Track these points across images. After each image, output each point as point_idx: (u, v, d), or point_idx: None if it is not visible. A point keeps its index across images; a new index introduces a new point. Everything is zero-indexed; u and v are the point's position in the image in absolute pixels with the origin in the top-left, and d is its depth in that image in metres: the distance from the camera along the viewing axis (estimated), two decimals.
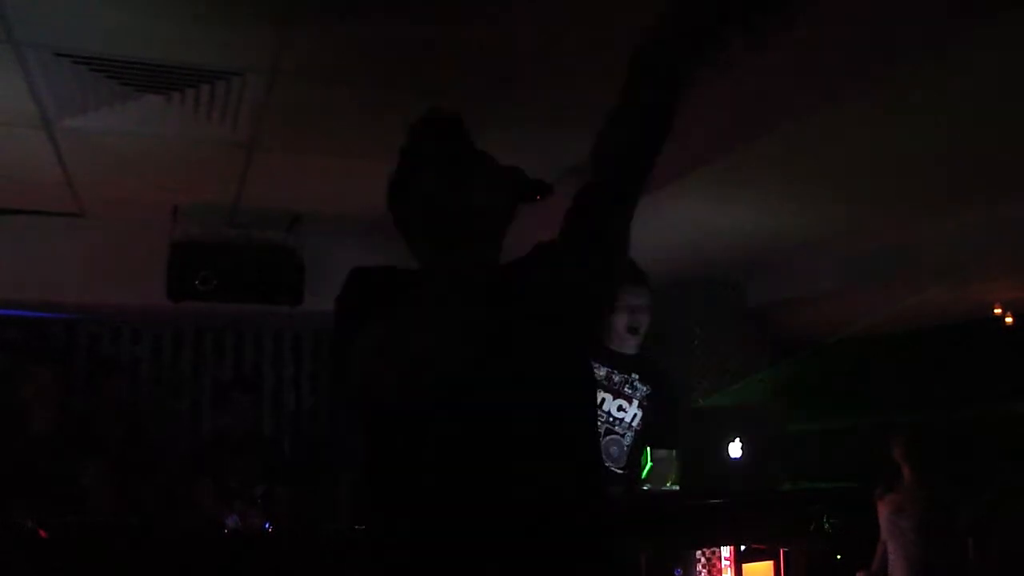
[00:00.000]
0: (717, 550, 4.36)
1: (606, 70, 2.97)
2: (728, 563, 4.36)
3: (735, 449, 3.04)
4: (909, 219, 4.58)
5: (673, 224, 4.53)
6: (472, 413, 1.53)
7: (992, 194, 4.14)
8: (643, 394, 3.26)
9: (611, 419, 3.23)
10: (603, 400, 3.22)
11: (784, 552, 4.29)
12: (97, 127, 3.42)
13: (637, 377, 3.27)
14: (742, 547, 4.28)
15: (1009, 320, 5.81)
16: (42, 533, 3.42)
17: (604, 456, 3.15)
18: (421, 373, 1.51)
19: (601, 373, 3.22)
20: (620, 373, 3.27)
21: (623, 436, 3.22)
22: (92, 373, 5.17)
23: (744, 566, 4.33)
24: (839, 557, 4.24)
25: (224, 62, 2.91)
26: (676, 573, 4.22)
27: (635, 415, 3.26)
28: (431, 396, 1.51)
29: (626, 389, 3.27)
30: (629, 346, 3.29)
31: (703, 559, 4.60)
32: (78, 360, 5.48)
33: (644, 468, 3.46)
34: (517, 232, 1.70)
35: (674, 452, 3.42)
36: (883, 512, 4.32)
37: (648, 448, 3.42)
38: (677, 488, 3.16)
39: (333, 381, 5.73)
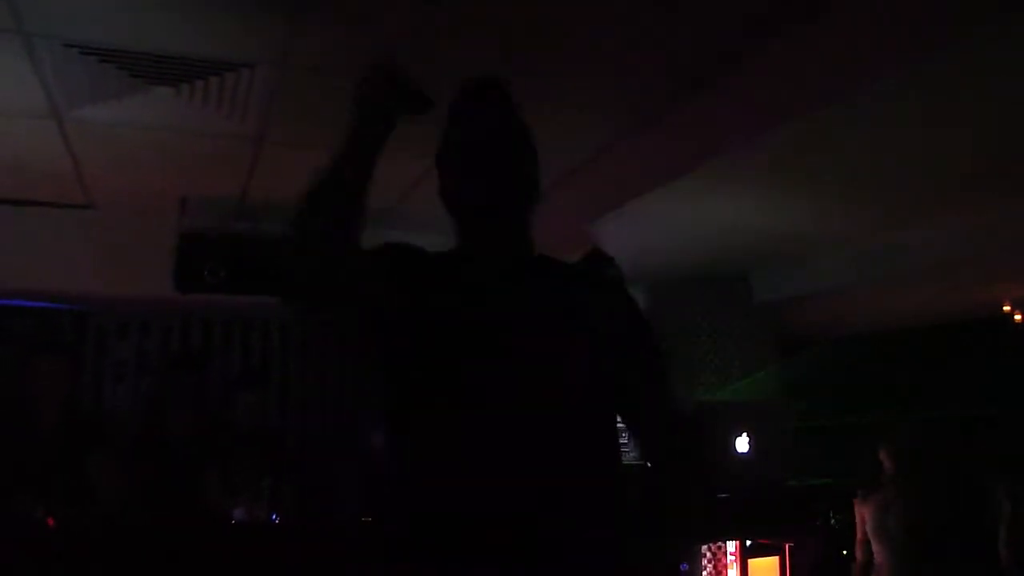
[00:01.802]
0: (723, 545, 4.37)
1: (614, 62, 2.98)
2: (734, 558, 4.37)
3: (742, 444, 3.03)
4: (919, 216, 4.56)
5: (680, 218, 4.52)
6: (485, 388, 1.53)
7: (1004, 191, 4.12)
8: None
9: None
10: None
11: (789, 547, 4.29)
12: (106, 118, 3.43)
13: None
14: (748, 542, 4.28)
15: (1018, 318, 5.78)
16: (51, 523, 3.43)
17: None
18: (442, 344, 1.54)
19: None
20: None
21: None
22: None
23: (749, 561, 4.33)
24: (845, 553, 4.23)
25: (234, 54, 2.91)
26: (682, 568, 4.22)
27: None
28: (449, 366, 1.53)
29: None
30: None
31: (709, 554, 4.60)
32: (86, 353, 5.49)
33: None
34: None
35: None
36: (868, 512, 4.26)
37: None
38: None
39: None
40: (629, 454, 3.15)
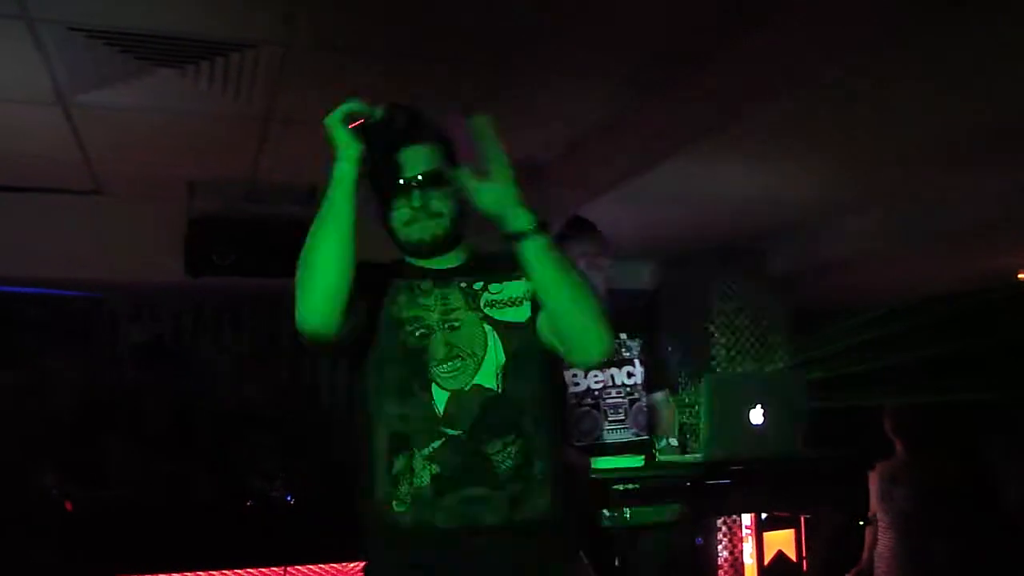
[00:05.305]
0: (738, 518, 4.36)
1: (619, 29, 2.94)
2: (749, 531, 4.37)
3: (756, 416, 2.99)
4: (934, 183, 4.50)
5: (692, 189, 4.48)
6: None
7: (1020, 157, 4.07)
8: (638, 350, 3.16)
9: (628, 388, 3.13)
10: (612, 375, 3.10)
11: (805, 520, 4.28)
12: (112, 103, 3.42)
13: (625, 336, 3.14)
14: (763, 515, 4.27)
15: None
16: (68, 505, 3.46)
17: (634, 425, 3.08)
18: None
19: None
20: None
21: (642, 399, 3.14)
22: None
23: (765, 534, 4.32)
24: (861, 524, 4.22)
25: (238, 34, 2.90)
26: (697, 542, 4.23)
27: (642, 372, 3.16)
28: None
29: (624, 353, 3.14)
30: None
31: (724, 527, 4.60)
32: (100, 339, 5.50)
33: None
34: None
35: (668, 393, 3.28)
36: (874, 480, 4.24)
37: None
38: (699, 456, 3.11)
39: None
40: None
